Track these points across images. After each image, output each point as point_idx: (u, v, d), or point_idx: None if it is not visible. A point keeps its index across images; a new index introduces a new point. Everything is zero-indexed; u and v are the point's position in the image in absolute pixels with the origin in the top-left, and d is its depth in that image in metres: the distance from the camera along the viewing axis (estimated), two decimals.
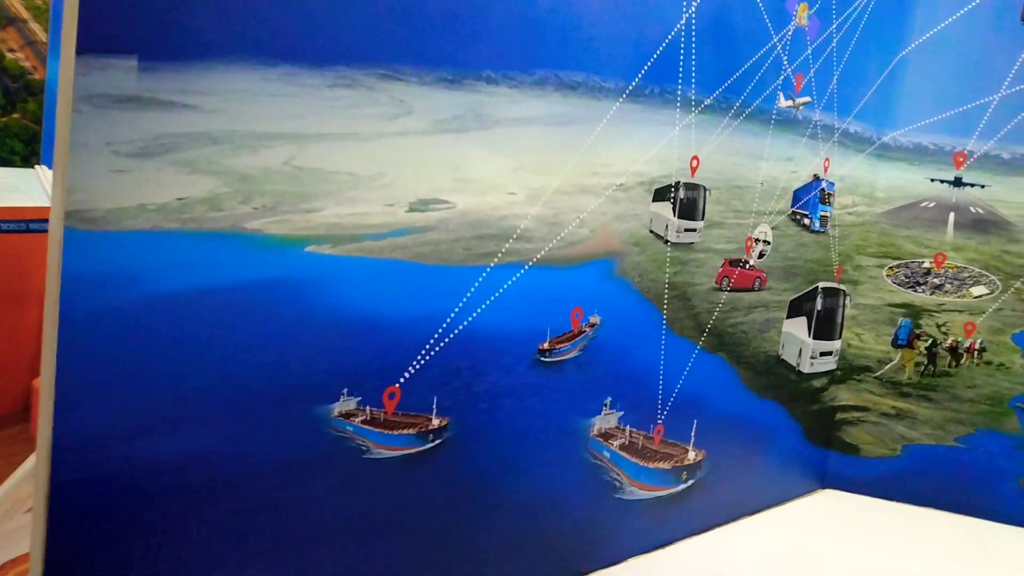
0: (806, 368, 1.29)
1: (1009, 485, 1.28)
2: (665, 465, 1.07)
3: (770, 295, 1.20)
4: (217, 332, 0.63)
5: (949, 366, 1.32)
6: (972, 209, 1.30)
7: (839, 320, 1.34)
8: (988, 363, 1.30)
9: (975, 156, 1.28)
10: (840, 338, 1.34)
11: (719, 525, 1.18)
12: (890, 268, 1.35)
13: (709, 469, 1.13)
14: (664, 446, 1.07)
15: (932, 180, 1.31)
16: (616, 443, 1.00)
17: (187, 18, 0.58)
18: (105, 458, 0.59)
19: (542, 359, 0.89)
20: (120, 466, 0.60)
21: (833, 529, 1.22)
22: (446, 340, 0.78)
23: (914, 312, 1.34)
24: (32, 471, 0.69)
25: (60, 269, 0.55)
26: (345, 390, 0.72)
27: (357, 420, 0.74)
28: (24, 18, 1.54)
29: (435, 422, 0.80)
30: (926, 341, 1.33)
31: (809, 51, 1.15)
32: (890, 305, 1.35)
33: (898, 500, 1.34)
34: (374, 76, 0.69)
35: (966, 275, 1.31)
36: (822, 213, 1.26)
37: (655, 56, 0.92)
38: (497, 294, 0.82)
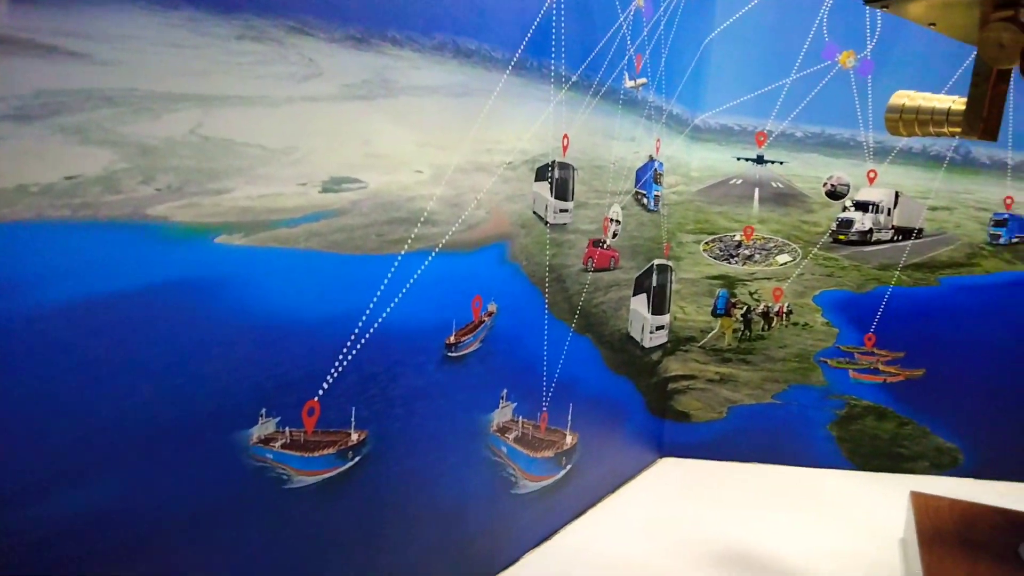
0: (647, 343, 1.33)
1: (819, 432, 1.43)
2: (549, 453, 1.04)
3: (622, 274, 1.22)
4: (118, 353, 0.49)
5: (763, 330, 1.44)
6: (774, 184, 1.42)
7: (668, 295, 1.40)
8: (795, 324, 1.43)
9: (773, 135, 1.40)
10: (669, 312, 1.40)
11: (590, 507, 1.18)
12: (706, 243, 1.44)
13: (581, 452, 1.12)
14: (548, 433, 1.04)
15: (738, 159, 1.41)
16: (511, 436, 0.95)
17: None
18: None
19: (449, 354, 0.81)
20: (10, 540, 0.44)
21: (680, 496, 1.27)
22: (363, 341, 0.68)
23: (729, 283, 1.44)
24: None
25: None
26: (263, 410, 0.60)
27: (277, 445, 0.61)
28: None
29: (354, 437, 0.69)
30: (741, 309, 1.44)
31: (645, 33, 1.17)
32: (708, 278, 1.44)
33: (728, 459, 1.43)
34: (283, 28, 0.58)
35: (772, 245, 1.43)
36: (655, 193, 1.30)
37: (533, 26, 0.88)
38: (408, 285, 0.73)
